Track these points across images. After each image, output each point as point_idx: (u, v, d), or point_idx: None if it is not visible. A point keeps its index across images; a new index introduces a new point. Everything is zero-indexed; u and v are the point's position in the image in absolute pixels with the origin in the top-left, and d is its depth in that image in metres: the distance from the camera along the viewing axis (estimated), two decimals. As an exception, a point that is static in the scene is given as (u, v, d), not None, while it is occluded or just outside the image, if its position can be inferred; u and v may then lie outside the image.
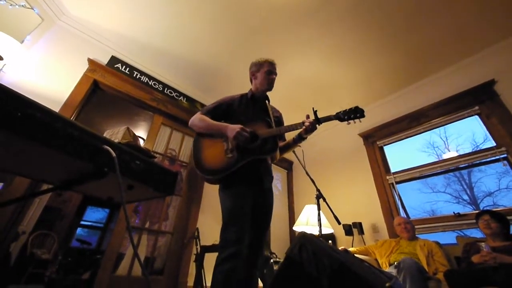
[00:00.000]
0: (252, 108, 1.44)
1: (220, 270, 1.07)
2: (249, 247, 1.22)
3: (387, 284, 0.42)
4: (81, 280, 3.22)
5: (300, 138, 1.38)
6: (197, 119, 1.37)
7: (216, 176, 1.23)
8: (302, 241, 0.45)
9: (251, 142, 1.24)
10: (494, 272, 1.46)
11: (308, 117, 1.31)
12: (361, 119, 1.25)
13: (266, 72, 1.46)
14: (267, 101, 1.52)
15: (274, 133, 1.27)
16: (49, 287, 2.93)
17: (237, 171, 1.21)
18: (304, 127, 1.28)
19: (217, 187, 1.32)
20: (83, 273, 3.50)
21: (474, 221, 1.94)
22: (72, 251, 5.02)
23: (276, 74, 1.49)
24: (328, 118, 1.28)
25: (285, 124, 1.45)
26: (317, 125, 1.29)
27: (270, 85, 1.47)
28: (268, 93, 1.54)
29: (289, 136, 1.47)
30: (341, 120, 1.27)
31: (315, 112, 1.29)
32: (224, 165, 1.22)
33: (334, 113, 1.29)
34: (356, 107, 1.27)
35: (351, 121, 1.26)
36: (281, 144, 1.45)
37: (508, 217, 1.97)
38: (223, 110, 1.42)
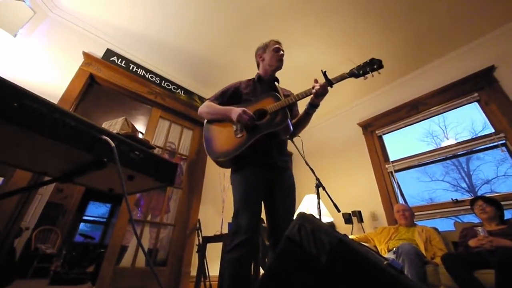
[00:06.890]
0: (260, 88, 1.40)
1: (230, 258, 1.02)
2: (271, 234, 1.20)
3: (385, 262, 0.43)
4: (86, 273, 3.28)
5: (311, 107, 1.26)
6: (204, 106, 1.37)
7: (228, 157, 1.18)
8: (300, 221, 0.46)
9: (257, 119, 1.20)
10: (490, 255, 1.49)
11: (316, 81, 1.20)
12: (380, 70, 1.12)
13: (273, 50, 1.41)
14: (276, 83, 1.45)
15: (282, 104, 1.18)
16: (54, 280, 2.98)
17: (248, 153, 1.17)
18: (314, 91, 1.16)
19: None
20: (88, 266, 3.56)
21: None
22: (76, 245, 5.10)
23: (283, 51, 1.42)
24: (341, 78, 1.15)
25: None
26: (328, 87, 1.17)
27: (279, 62, 1.40)
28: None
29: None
30: (357, 76, 1.15)
31: (324, 73, 1.17)
32: (235, 146, 1.19)
33: (348, 71, 1.18)
34: (372, 59, 1.16)
35: (368, 75, 1.15)
36: (294, 120, 1.35)
37: (505, 203, 2.00)
38: (231, 94, 1.40)
